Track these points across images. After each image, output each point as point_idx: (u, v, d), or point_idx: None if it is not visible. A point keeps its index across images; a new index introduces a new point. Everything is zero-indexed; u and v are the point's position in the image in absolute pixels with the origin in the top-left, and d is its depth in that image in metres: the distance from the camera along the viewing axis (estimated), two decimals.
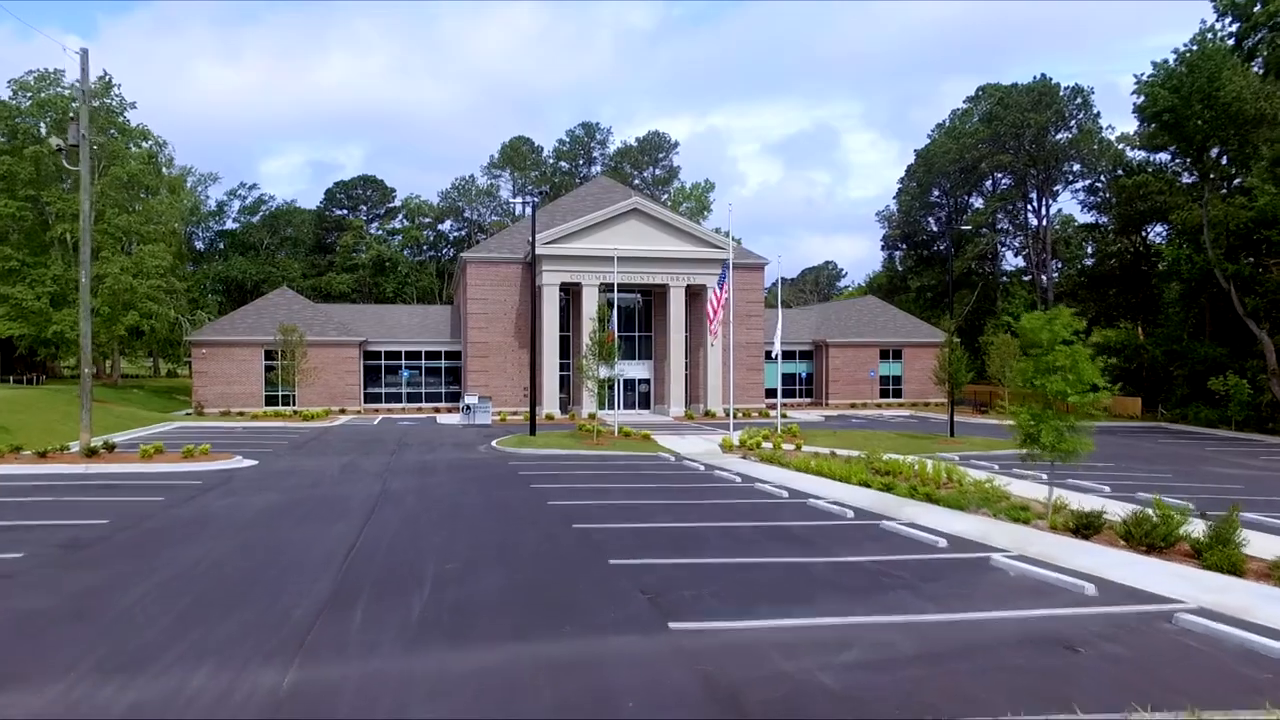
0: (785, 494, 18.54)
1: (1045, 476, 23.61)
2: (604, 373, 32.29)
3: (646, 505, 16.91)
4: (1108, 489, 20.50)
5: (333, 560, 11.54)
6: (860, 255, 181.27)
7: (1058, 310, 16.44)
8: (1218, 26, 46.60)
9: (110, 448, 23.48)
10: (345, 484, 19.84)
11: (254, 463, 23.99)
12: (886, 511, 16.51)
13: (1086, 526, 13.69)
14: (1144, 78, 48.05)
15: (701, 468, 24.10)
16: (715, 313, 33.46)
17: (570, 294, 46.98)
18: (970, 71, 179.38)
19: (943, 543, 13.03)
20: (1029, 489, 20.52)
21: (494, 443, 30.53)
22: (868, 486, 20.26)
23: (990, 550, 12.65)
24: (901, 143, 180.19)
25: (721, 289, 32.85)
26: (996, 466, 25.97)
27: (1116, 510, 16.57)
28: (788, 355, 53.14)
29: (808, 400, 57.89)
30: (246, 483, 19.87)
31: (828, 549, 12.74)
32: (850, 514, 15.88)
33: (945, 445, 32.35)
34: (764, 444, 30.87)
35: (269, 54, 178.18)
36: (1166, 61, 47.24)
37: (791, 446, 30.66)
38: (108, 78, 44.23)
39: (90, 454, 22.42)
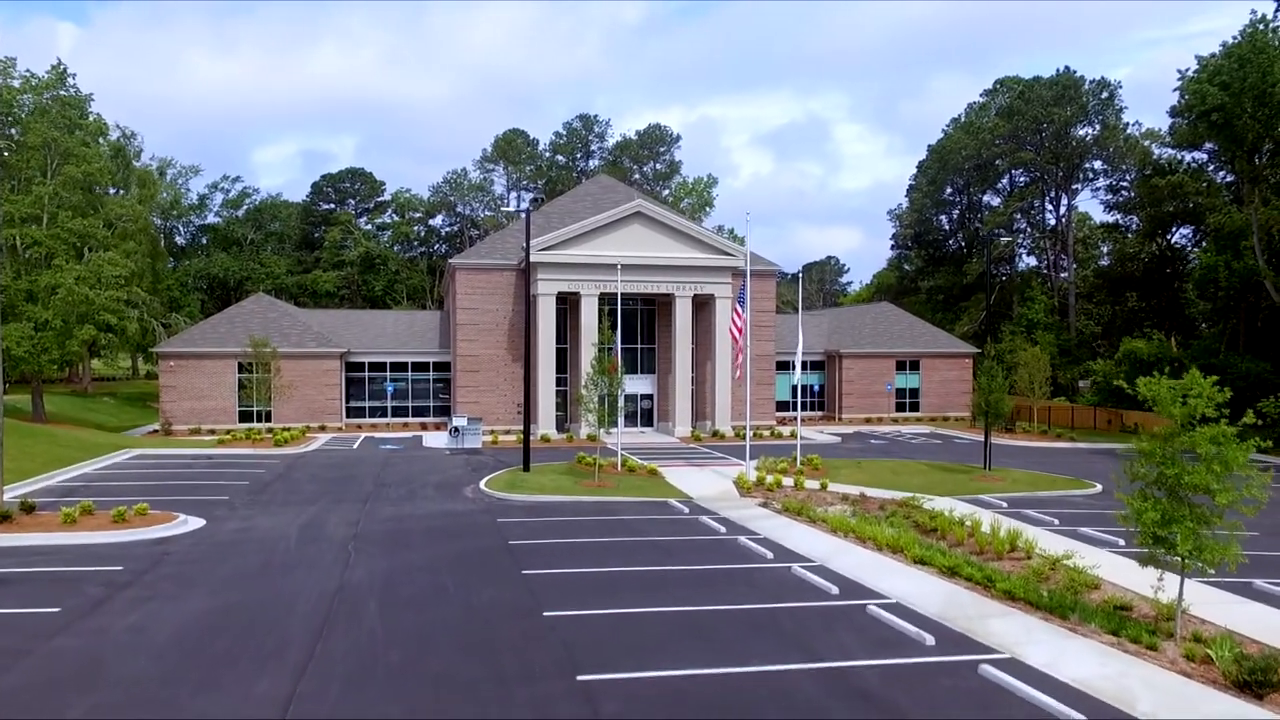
0: (835, 590, 15.11)
1: (1122, 542, 20.47)
2: (605, 391, 29.16)
3: (664, 618, 13.51)
4: (1211, 570, 16.97)
5: None
6: (853, 246, 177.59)
7: (1192, 376, 13.07)
8: (1269, 17, 43.06)
9: (29, 508, 19.89)
10: (298, 569, 16.33)
11: (200, 524, 20.45)
12: (969, 626, 13.28)
13: (1261, 684, 10.27)
14: (1188, 73, 44.58)
15: (722, 529, 20.78)
16: (737, 342, 29.82)
17: (568, 303, 43.43)
18: (959, 68, 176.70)
19: None
20: (1118, 568, 17.26)
21: (483, 484, 27.05)
22: (925, 565, 17.26)
23: None
24: (889, 136, 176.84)
25: (743, 308, 29.23)
26: (1057, 521, 22.90)
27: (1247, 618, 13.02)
28: None
29: (819, 414, 54.40)
30: (176, 569, 16.33)
31: None
32: (929, 640, 12.47)
33: (984, 482, 29.24)
34: (784, 481, 27.87)
35: (260, 46, 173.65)
36: (1213, 56, 43.71)
37: (815, 484, 27.82)
38: (61, 67, 40.29)
39: (1, 520, 18.85)
